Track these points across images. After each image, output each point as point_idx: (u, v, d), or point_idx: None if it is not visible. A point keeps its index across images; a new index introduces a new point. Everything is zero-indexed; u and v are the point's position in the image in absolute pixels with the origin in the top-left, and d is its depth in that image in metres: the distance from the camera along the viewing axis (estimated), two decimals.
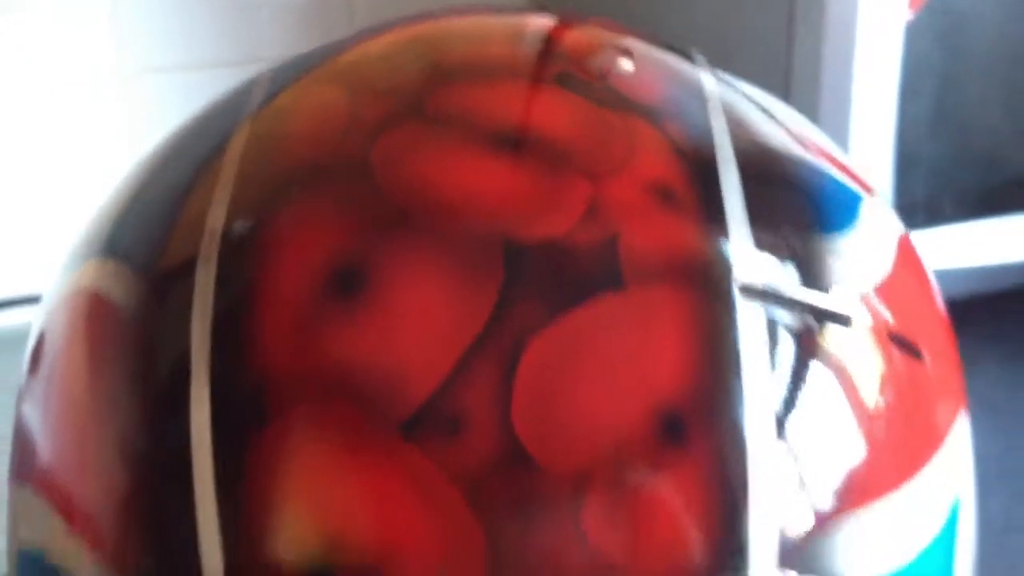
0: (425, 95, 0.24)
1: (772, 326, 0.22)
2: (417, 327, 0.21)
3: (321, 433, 0.21)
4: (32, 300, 0.74)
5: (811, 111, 0.68)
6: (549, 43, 0.27)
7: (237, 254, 0.22)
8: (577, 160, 0.23)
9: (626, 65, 0.27)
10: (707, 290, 0.22)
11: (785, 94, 0.71)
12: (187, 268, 0.23)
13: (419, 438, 0.21)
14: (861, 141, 0.68)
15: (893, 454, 0.24)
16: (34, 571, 0.25)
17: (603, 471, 0.21)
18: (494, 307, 0.21)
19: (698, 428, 0.21)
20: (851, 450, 0.23)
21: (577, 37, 0.28)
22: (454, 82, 0.25)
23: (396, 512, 0.20)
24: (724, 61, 0.80)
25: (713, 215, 0.23)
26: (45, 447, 0.25)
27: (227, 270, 0.22)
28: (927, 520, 0.25)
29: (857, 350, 0.24)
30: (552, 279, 0.21)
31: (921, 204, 0.72)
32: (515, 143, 0.23)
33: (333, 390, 0.21)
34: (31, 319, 0.29)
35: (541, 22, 0.28)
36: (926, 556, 0.25)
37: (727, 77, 0.30)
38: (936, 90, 0.72)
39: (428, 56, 0.26)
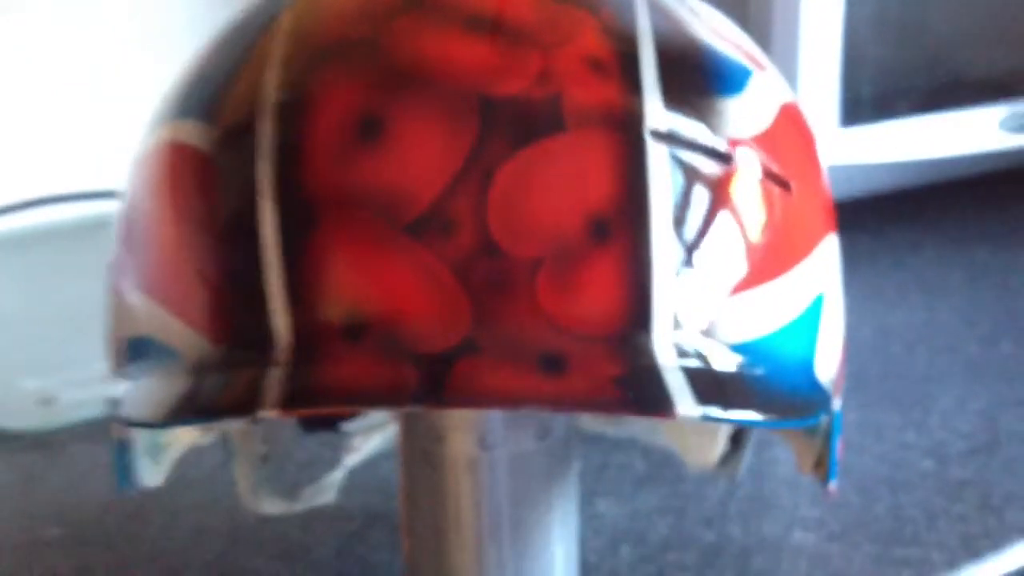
0: None
1: (673, 160, 0.31)
2: (418, 158, 0.30)
3: (353, 231, 0.29)
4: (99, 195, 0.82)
5: (765, 15, 0.75)
6: None
7: (288, 109, 0.31)
8: (533, 38, 0.31)
9: None
10: (626, 133, 0.30)
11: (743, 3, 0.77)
12: (250, 119, 0.31)
13: (421, 235, 0.29)
14: (810, 41, 0.74)
15: (764, 257, 0.32)
16: (146, 351, 0.34)
17: (551, 256, 0.29)
18: (472, 143, 0.30)
19: (618, 229, 0.30)
20: (731, 251, 0.32)
21: None
22: None
23: (406, 285, 0.29)
24: None
25: (632, 80, 0.31)
26: (147, 259, 0.34)
27: (282, 121, 0.31)
28: (792, 304, 0.34)
29: (736, 181, 0.32)
30: (514, 124, 0.30)
31: (867, 101, 0.79)
32: (488, 25, 0.31)
33: (361, 202, 0.30)
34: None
35: None
36: (791, 328, 0.33)
37: None
38: None
39: None
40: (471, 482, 0.40)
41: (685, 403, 0.29)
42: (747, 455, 0.47)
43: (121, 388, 0.35)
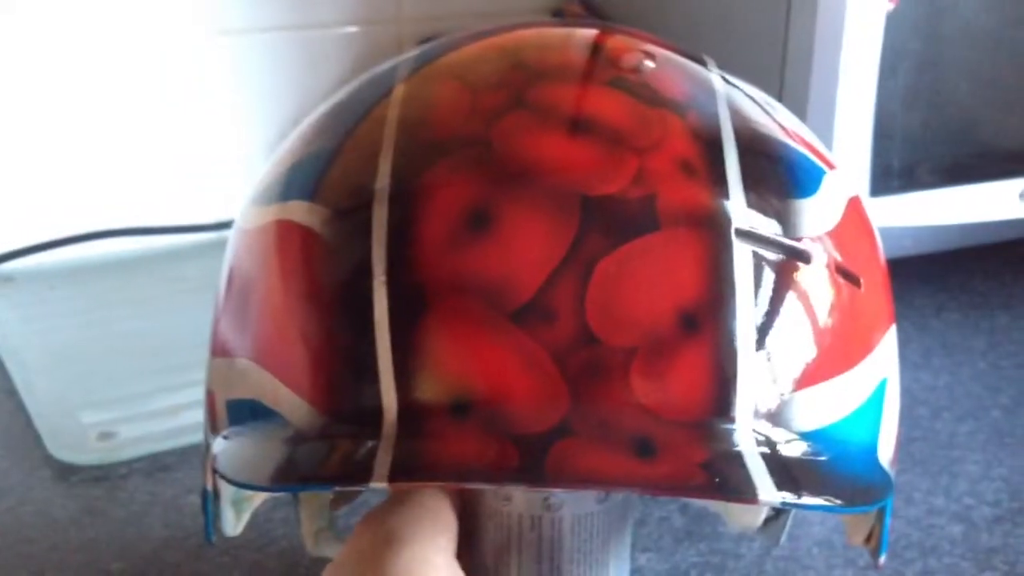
0: (524, 91, 0.35)
1: (757, 258, 0.33)
2: (524, 250, 0.32)
3: (461, 316, 0.32)
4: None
5: (803, 91, 0.78)
6: (596, 49, 0.38)
7: (403, 197, 0.33)
8: (629, 141, 0.34)
9: (649, 64, 0.37)
10: (714, 232, 0.33)
11: (781, 76, 0.80)
12: (364, 204, 0.34)
13: (524, 322, 0.32)
14: (845, 116, 0.77)
15: (835, 349, 0.35)
16: (248, 412, 0.36)
17: (644, 346, 0.32)
18: (574, 239, 0.32)
19: (706, 322, 0.32)
20: (805, 344, 0.34)
21: (615, 43, 0.38)
22: (541, 81, 0.36)
23: (509, 368, 0.32)
24: (727, 46, 0.90)
25: (719, 181, 0.34)
26: (257, 328, 0.36)
27: (396, 208, 0.33)
28: (858, 393, 0.36)
29: (814, 278, 0.35)
30: (612, 222, 0.32)
31: (896, 171, 0.81)
32: (588, 127, 0.34)
33: (469, 289, 0.32)
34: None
35: (587, 32, 0.39)
36: (856, 415, 0.36)
37: (731, 77, 0.40)
38: (912, 71, 0.81)
39: (514, 59, 0.37)
40: (534, 539, 0.42)
41: (766, 489, 0.31)
42: (789, 521, 0.49)
43: (220, 445, 0.37)
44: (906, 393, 0.72)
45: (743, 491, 0.31)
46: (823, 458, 0.34)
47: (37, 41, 0.85)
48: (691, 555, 0.56)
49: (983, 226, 0.89)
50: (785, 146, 0.36)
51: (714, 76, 0.39)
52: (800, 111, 0.78)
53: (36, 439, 0.64)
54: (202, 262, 0.87)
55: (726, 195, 0.34)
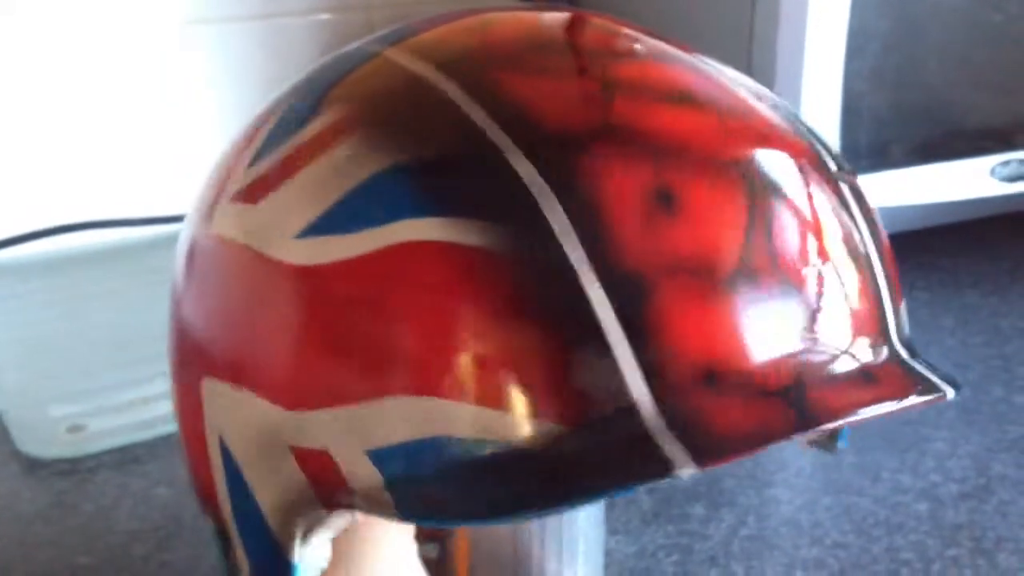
0: (607, 72, 0.35)
1: (856, 194, 0.37)
2: (716, 221, 0.33)
3: (683, 294, 0.32)
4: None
5: (769, 71, 0.78)
6: (604, 31, 0.38)
7: (571, 193, 0.32)
8: (719, 106, 0.35)
9: (640, 48, 0.38)
10: (829, 174, 0.36)
11: (748, 56, 0.80)
12: (531, 208, 0.32)
13: (737, 287, 0.32)
14: (811, 95, 0.77)
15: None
16: (441, 453, 0.32)
17: (835, 280, 0.34)
18: (748, 202, 0.33)
19: (864, 252, 0.35)
20: (894, 266, 0.37)
21: (602, 29, 0.38)
22: (614, 62, 0.36)
23: (741, 332, 0.32)
24: (693, 27, 0.90)
25: (804, 135, 0.36)
26: (419, 360, 0.32)
27: (572, 206, 0.32)
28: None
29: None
30: (766, 179, 0.34)
31: (864, 151, 0.82)
32: (686, 98, 0.35)
33: (681, 267, 0.32)
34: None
35: (579, 17, 0.39)
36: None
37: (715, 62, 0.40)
38: (880, 51, 0.81)
39: (555, 42, 0.37)
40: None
41: (944, 387, 0.34)
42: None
43: (403, 493, 0.33)
44: None
45: (937, 391, 0.34)
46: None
47: (9, 35, 0.84)
48: (659, 537, 0.56)
49: (952, 205, 0.89)
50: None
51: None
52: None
53: (4, 433, 0.64)
54: (173, 253, 0.87)
55: (821, 149, 0.36)
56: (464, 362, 0.32)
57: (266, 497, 0.36)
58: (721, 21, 0.82)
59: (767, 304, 0.33)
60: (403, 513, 0.32)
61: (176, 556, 0.54)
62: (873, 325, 0.35)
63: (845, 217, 0.35)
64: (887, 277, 0.36)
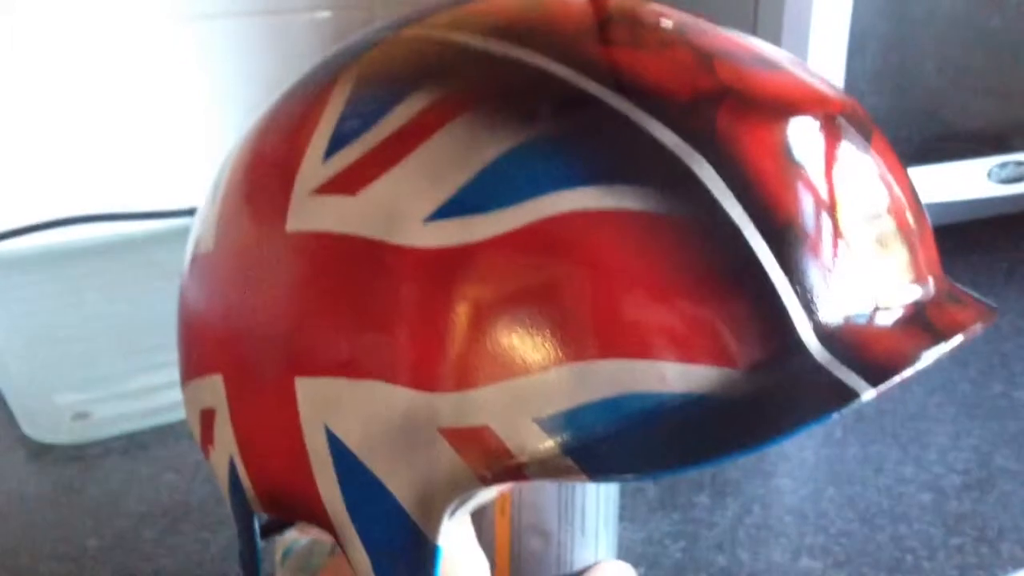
0: (689, 38, 0.37)
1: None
2: (835, 172, 0.35)
3: (828, 237, 0.34)
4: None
5: None
6: (627, 11, 0.39)
7: (717, 155, 0.34)
8: (783, 65, 0.38)
9: (686, 19, 0.39)
10: (883, 134, 0.38)
11: None
12: (686, 174, 0.34)
13: (864, 232, 0.35)
14: None
15: None
16: (624, 412, 0.33)
17: (920, 225, 0.38)
18: (856, 148, 0.36)
19: (921, 203, 0.38)
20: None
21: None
22: (700, 36, 0.38)
23: (878, 268, 0.36)
24: None
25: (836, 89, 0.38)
26: (597, 323, 0.33)
27: (722, 167, 0.34)
28: None
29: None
30: (860, 128, 0.37)
31: None
32: (769, 62, 0.37)
33: (824, 212, 0.35)
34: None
35: None
36: None
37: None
38: (879, 52, 0.81)
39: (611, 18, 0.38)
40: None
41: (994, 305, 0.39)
42: None
43: (591, 452, 0.33)
44: None
45: (992, 308, 0.38)
46: None
47: (12, 27, 0.84)
48: (665, 524, 0.56)
49: (949, 206, 0.90)
50: None
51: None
52: None
53: (10, 420, 0.64)
54: (175, 247, 0.87)
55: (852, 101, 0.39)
56: (642, 321, 0.33)
57: (402, 485, 0.35)
58: (725, 21, 0.83)
59: (887, 245, 0.36)
60: (591, 474, 0.33)
61: (185, 539, 0.55)
62: (936, 264, 0.38)
63: (895, 160, 0.38)
64: (925, 215, 0.39)
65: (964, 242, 0.94)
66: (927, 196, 0.86)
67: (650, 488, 0.59)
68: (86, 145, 0.89)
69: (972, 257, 0.92)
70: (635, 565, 0.53)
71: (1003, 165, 0.88)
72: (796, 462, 0.62)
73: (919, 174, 0.85)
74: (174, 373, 0.68)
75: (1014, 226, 0.96)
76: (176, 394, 0.66)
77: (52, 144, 0.88)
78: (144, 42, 0.89)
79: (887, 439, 0.65)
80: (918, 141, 0.86)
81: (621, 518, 0.56)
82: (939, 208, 0.89)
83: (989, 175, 0.88)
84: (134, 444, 0.62)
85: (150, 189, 0.92)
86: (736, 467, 0.62)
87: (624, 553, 0.54)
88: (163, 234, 0.89)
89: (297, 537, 0.48)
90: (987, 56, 0.86)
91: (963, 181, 0.87)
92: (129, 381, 0.67)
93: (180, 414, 0.64)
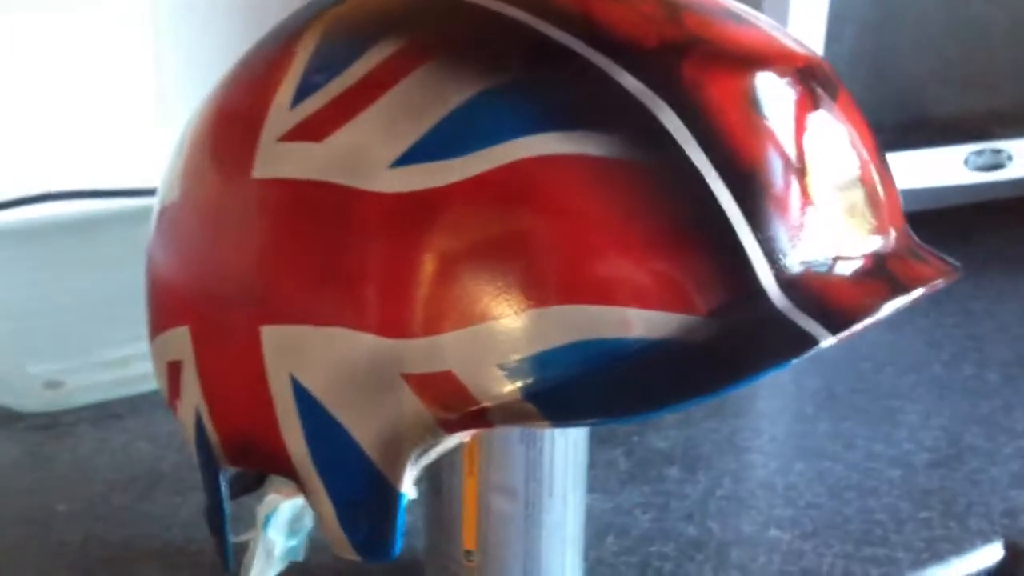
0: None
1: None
2: (801, 125, 0.36)
3: (791, 188, 0.35)
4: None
5: None
6: None
7: (683, 104, 0.34)
8: (761, 23, 0.38)
9: None
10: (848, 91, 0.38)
11: None
12: (651, 120, 0.34)
13: (828, 183, 0.36)
14: None
15: None
16: (584, 357, 0.33)
17: (886, 177, 0.39)
18: (818, 104, 0.37)
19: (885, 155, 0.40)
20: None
21: None
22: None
23: (841, 218, 0.36)
24: None
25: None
26: (566, 268, 0.33)
27: (687, 116, 0.34)
28: None
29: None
30: (826, 85, 0.37)
31: None
32: (742, 18, 0.38)
33: (788, 164, 0.35)
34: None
35: None
36: None
37: None
38: (857, 37, 0.82)
39: None
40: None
41: (954, 263, 0.40)
42: None
43: (553, 397, 0.34)
44: (850, 349, 0.74)
45: (954, 266, 0.39)
46: None
47: None
48: (635, 496, 0.57)
49: (926, 192, 0.90)
50: None
51: None
52: None
53: None
54: (148, 226, 0.87)
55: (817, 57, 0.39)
56: (603, 267, 0.33)
57: (366, 432, 0.35)
58: None
59: (850, 196, 0.36)
60: (552, 419, 0.33)
61: (156, 505, 0.55)
62: (899, 216, 0.39)
63: (859, 117, 0.39)
64: (891, 174, 0.40)
65: (940, 228, 0.95)
66: (903, 182, 0.86)
67: (621, 461, 0.60)
68: (60, 122, 0.89)
69: (948, 243, 0.92)
70: (603, 534, 0.53)
71: (980, 152, 0.88)
72: (767, 437, 0.62)
73: (895, 160, 0.86)
74: (146, 344, 0.68)
75: (989, 213, 0.96)
76: (150, 365, 0.66)
77: (26, 121, 0.87)
78: (120, 15, 0.89)
79: (858, 417, 0.65)
80: (895, 126, 0.86)
81: (591, 489, 0.57)
82: (915, 194, 0.89)
83: (966, 162, 0.88)
84: (107, 414, 0.62)
85: (126, 167, 0.92)
86: (708, 441, 0.62)
87: (593, 522, 0.54)
88: (139, 212, 0.89)
89: (280, 499, 0.47)
90: (965, 43, 0.87)
91: (940, 167, 0.87)
92: (103, 352, 0.67)
93: (154, 384, 0.64)
